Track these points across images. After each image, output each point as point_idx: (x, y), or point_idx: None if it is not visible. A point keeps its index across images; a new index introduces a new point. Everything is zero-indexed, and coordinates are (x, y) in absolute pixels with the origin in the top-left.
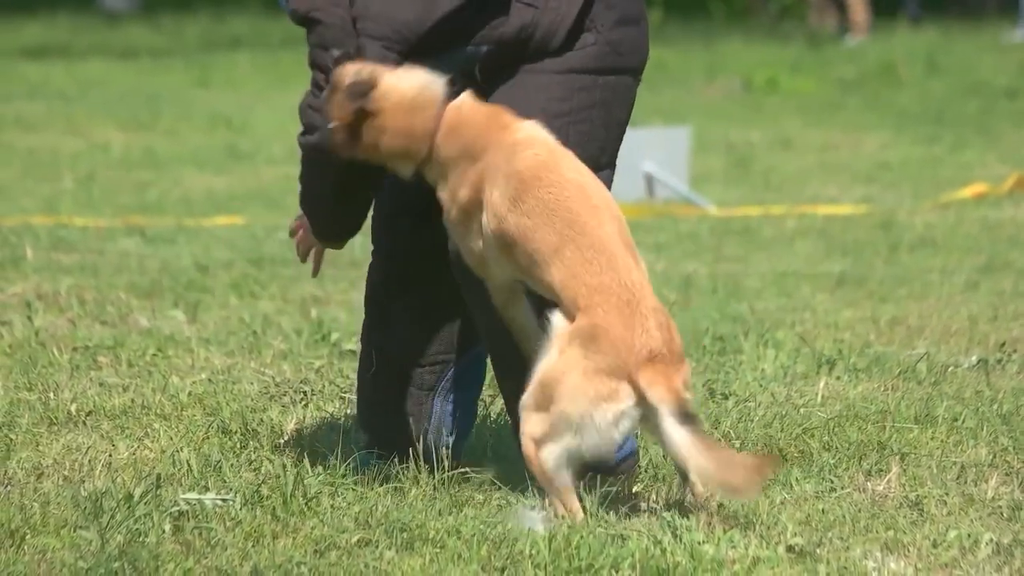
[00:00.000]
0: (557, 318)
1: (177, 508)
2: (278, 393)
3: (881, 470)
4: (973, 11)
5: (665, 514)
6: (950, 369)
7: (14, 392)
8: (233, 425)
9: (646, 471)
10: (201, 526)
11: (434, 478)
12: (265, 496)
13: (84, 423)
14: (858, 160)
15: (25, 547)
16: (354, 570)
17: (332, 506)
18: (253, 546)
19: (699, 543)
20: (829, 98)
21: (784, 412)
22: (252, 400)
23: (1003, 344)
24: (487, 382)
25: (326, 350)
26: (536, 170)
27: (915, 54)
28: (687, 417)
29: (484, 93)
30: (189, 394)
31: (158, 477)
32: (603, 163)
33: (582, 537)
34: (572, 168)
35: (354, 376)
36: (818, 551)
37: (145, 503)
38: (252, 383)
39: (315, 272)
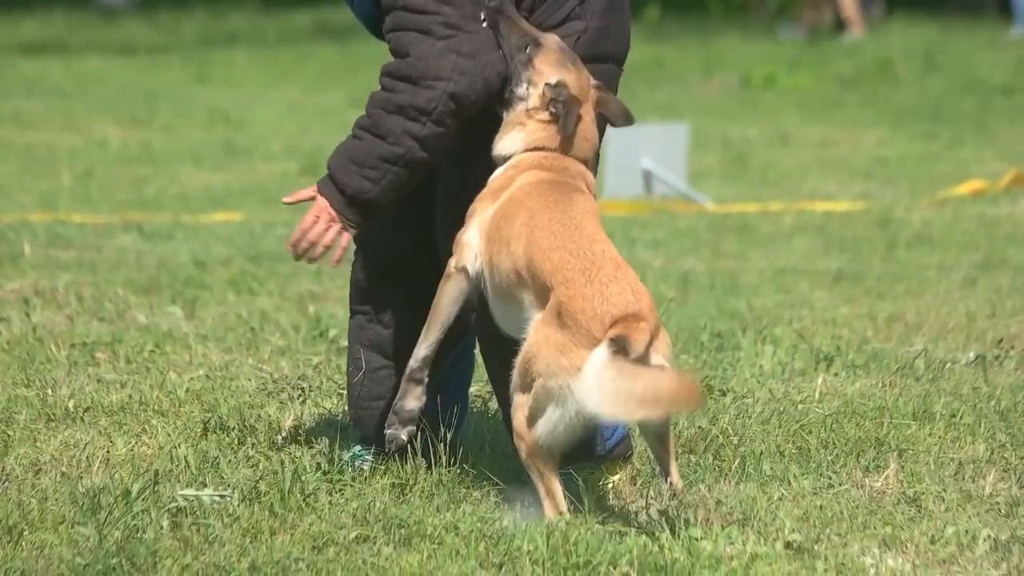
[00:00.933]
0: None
1: (175, 504)
2: (276, 389)
3: (879, 466)
4: (972, 7)
5: (663, 510)
6: (948, 365)
7: (12, 388)
8: (231, 421)
9: (646, 471)
10: (199, 522)
11: (431, 475)
12: (263, 492)
13: (82, 419)
14: (856, 156)
15: (23, 543)
16: (352, 566)
17: (330, 502)
18: (251, 542)
19: (697, 539)
20: (827, 95)
21: (782, 408)
22: (250, 396)
23: (1000, 340)
24: (483, 381)
25: (324, 346)
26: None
27: (913, 51)
28: (620, 348)
29: None
30: (187, 390)
31: (156, 473)
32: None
33: (580, 533)
34: None
35: None
36: (816, 547)
37: (143, 499)
38: (250, 379)
39: (339, 260)
